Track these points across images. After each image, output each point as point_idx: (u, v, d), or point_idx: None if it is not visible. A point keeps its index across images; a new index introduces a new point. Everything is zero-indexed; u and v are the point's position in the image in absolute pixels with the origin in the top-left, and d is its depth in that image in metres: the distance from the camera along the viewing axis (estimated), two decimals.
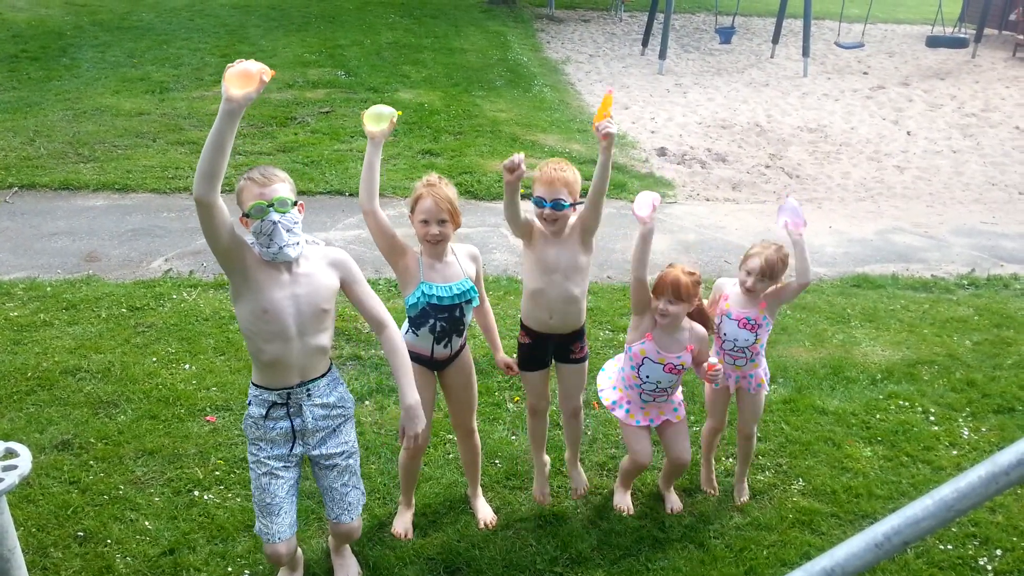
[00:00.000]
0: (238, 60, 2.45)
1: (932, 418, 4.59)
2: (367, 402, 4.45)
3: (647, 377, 3.47)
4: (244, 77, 2.41)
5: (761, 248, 3.50)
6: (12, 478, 2.54)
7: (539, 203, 3.28)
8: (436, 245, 3.22)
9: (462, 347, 3.43)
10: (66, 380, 4.52)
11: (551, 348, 3.52)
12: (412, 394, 2.87)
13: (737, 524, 3.71)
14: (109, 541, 3.42)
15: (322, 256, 2.86)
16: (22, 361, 4.68)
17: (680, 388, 3.68)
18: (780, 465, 4.12)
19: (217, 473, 3.85)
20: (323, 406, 2.92)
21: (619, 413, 3.61)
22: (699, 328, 3.51)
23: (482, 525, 3.60)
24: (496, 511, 3.71)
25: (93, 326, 5.12)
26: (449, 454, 4.07)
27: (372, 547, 3.45)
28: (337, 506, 3.03)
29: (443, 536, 3.54)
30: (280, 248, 2.70)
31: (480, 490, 3.76)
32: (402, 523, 3.56)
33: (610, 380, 3.74)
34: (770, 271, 3.45)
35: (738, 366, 3.65)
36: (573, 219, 3.35)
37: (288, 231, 2.70)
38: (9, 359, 4.70)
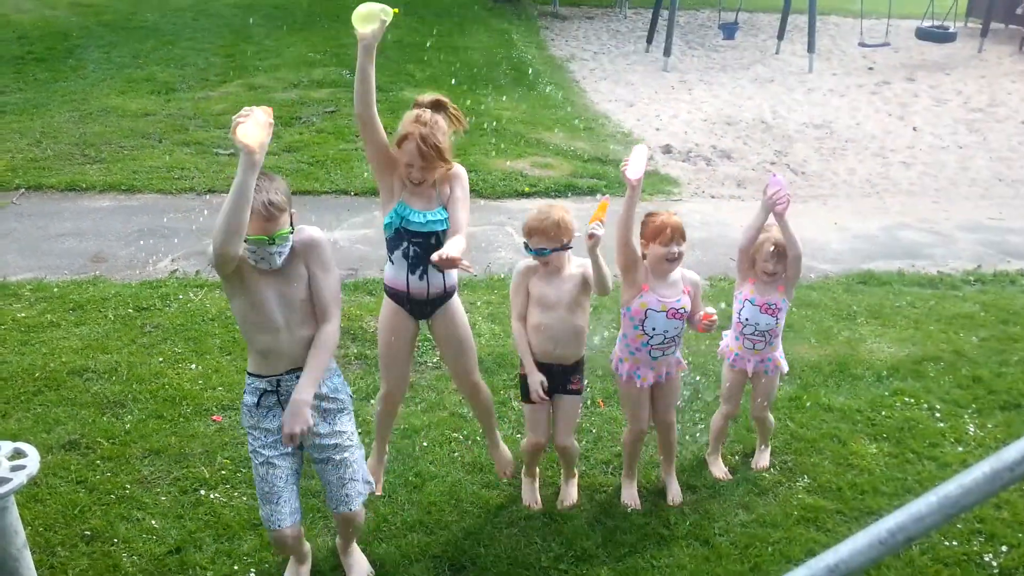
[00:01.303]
0: (239, 115, 2.51)
1: (938, 415, 4.58)
2: (372, 401, 4.45)
3: (653, 330, 3.49)
4: (257, 128, 2.51)
5: (763, 237, 3.68)
6: (20, 478, 2.56)
7: (541, 252, 3.34)
8: (418, 185, 3.23)
9: (446, 292, 3.38)
10: (73, 380, 4.54)
11: (553, 378, 3.51)
12: (308, 391, 2.83)
13: (742, 521, 3.71)
14: (116, 540, 3.44)
15: (296, 244, 2.86)
16: (29, 362, 4.70)
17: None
18: (786, 462, 4.12)
19: (223, 472, 3.87)
20: (314, 396, 2.91)
21: (640, 383, 3.62)
22: (690, 273, 3.60)
23: (502, 475, 3.75)
24: (501, 508, 3.72)
25: (100, 326, 5.14)
26: (454, 452, 4.08)
27: (378, 545, 3.46)
28: (334, 498, 3.07)
29: (448, 534, 3.55)
30: (270, 266, 2.81)
31: (499, 439, 3.83)
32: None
33: (616, 354, 3.73)
34: (781, 246, 3.64)
35: (757, 350, 3.78)
36: (574, 268, 3.40)
37: (280, 254, 2.79)
38: (16, 360, 4.72)
